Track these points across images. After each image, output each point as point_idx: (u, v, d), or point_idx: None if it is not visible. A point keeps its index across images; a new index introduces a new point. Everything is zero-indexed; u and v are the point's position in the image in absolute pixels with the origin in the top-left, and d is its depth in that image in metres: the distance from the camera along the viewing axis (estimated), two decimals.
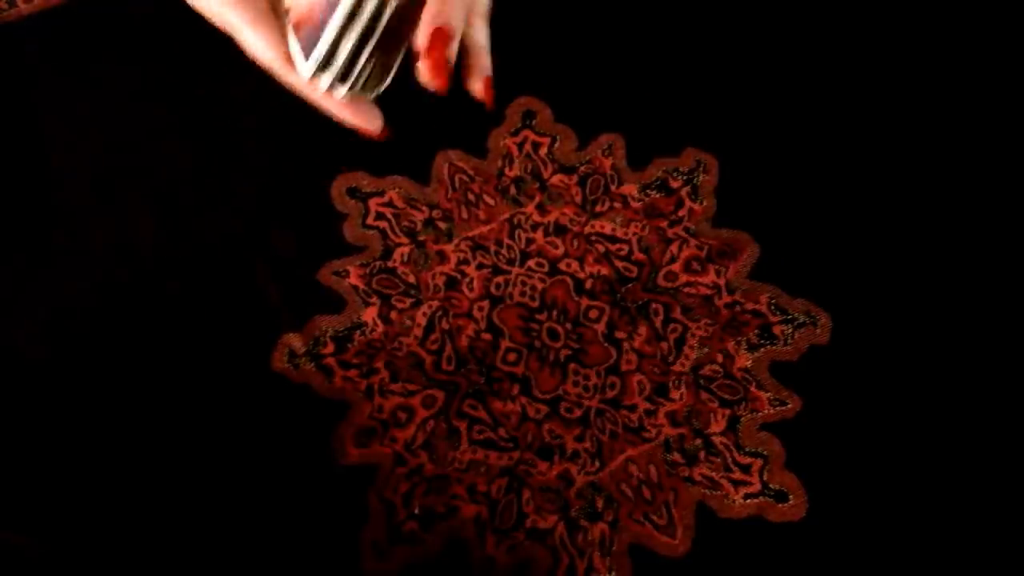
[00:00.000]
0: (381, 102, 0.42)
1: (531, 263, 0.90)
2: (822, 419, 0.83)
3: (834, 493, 0.81)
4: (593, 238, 0.91)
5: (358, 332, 0.87)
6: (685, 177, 0.94)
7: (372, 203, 0.92)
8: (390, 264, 0.90)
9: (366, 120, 0.41)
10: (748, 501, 0.80)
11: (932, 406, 0.84)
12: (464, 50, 0.41)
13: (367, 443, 0.82)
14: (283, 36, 0.39)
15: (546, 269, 0.90)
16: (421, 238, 0.91)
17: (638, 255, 0.91)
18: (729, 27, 1.02)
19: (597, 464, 0.82)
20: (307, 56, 0.38)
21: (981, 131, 0.97)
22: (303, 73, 0.39)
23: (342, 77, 0.39)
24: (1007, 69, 1.00)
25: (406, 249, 0.90)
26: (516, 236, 0.91)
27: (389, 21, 0.38)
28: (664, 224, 0.92)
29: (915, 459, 0.82)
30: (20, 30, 0.98)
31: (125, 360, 0.85)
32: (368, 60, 0.39)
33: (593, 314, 0.88)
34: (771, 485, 0.81)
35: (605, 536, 0.79)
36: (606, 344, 0.87)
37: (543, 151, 0.95)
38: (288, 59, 0.39)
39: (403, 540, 0.79)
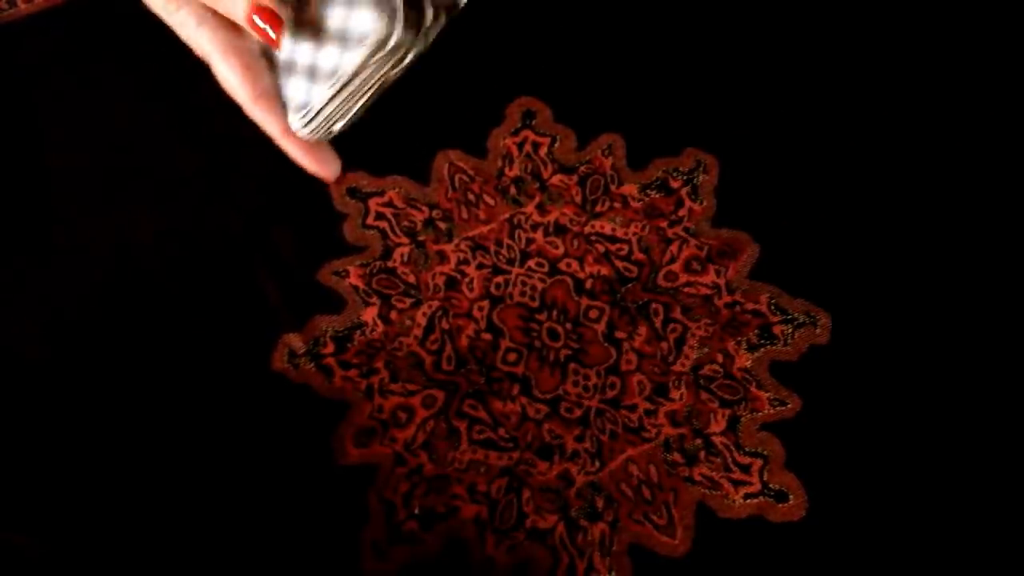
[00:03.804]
0: (382, 105, 0.42)
1: (531, 263, 0.90)
2: (822, 419, 0.83)
3: (834, 493, 0.81)
4: (593, 238, 0.91)
5: (358, 332, 0.87)
6: (685, 177, 0.94)
7: (372, 203, 0.92)
8: (390, 264, 0.90)
9: (324, 166, 0.42)
10: (748, 501, 0.80)
11: (932, 406, 0.84)
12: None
13: (367, 443, 0.82)
14: (254, 74, 0.39)
15: (546, 269, 0.90)
16: (421, 238, 0.91)
17: (638, 255, 0.91)
18: (729, 27, 1.02)
19: (597, 464, 0.82)
20: (295, 109, 0.39)
21: (981, 131, 0.97)
22: (291, 122, 0.40)
23: (318, 127, 0.41)
24: (1007, 69, 1.00)
25: (406, 249, 0.90)
26: (516, 236, 0.91)
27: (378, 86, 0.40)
28: (664, 224, 0.92)
29: (915, 459, 0.82)
30: (20, 30, 0.98)
31: (125, 360, 0.85)
32: (346, 111, 0.41)
33: (593, 314, 0.88)
34: (771, 485, 0.81)
35: (605, 536, 0.79)
36: (606, 344, 0.87)
37: (543, 151, 0.95)
38: (258, 96, 0.39)
39: (403, 540, 0.79)
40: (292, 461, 0.81)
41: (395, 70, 0.39)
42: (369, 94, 0.40)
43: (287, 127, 0.40)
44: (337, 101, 0.40)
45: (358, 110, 0.41)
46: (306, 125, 0.40)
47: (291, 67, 0.39)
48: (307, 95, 0.39)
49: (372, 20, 0.36)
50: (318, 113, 0.40)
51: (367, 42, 0.36)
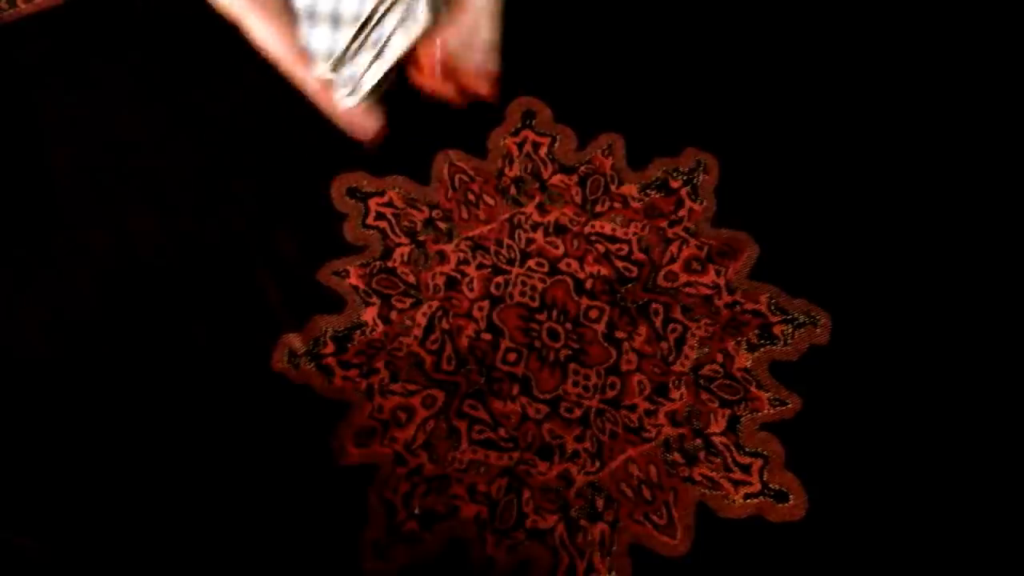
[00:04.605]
0: (382, 105, 0.42)
1: (531, 263, 0.90)
2: (822, 419, 0.83)
3: (834, 493, 0.81)
4: (593, 238, 0.91)
5: (358, 332, 0.87)
6: (685, 177, 0.94)
7: (372, 203, 0.92)
8: (390, 264, 0.90)
9: (363, 122, 0.42)
10: (748, 501, 0.80)
11: (931, 406, 0.84)
12: (465, 54, 0.42)
13: (367, 443, 0.82)
14: (289, 31, 0.39)
15: (546, 269, 0.90)
16: (421, 238, 0.91)
17: (638, 255, 0.91)
18: (728, 28, 1.02)
19: (597, 464, 0.82)
20: (321, 56, 0.39)
21: (981, 132, 0.97)
22: (317, 71, 0.40)
23: (354, 90, 0.40)
24: (1007, 69, 1.00)
25: (406, 249, 0.90)
26: (516, 236, 0.91)
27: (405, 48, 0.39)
28: (664, 224, 0.92)
29: (915, 459, 0.82)
30: (20, 30, 0.98)
31: (125, 360, 0.85)
32: (379, 75, 0.40)
33: (593, 314, 0.88)
34: (771, 485, 0.81)
35: (605, 536, 0.79)
36: (606, 344, 0.87)
37: (543, 151, 0.95)
38: (295, 55, 0.39)
39: (403, 540, 0.79)
40: (292, 461, 0.81)
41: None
42: (407, 49, 0.40)
43: (325, 83, 0.40)
44: (382, 67, 0.39)
45: (389, 71, 0.40)
46: (350, 95, 0.40)
47: (313, 16, 0.39)
48: (332, 43, 0.39)
49: None
50: (362, 82, 0.40)
51: None
